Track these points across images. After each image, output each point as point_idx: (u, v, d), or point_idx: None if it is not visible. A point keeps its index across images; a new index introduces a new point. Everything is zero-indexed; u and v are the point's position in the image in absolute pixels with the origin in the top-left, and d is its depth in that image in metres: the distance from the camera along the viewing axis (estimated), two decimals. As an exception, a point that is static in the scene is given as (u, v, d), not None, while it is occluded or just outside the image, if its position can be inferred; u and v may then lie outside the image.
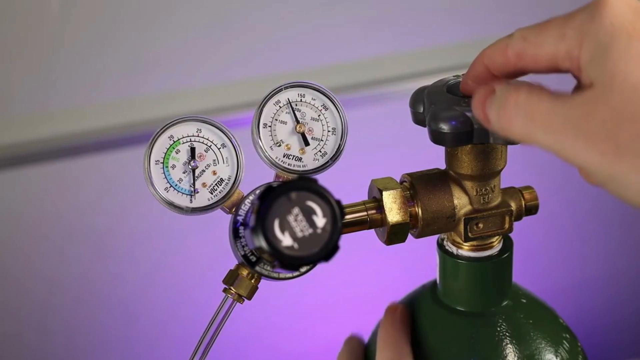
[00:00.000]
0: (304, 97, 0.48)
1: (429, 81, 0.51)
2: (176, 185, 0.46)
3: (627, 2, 0.36)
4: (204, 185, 0.46)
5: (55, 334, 1.03)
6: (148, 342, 1.07)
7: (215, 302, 0.47)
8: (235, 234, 0.46)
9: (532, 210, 0.52)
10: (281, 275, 0.47)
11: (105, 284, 1.01)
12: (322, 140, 0.48)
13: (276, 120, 0.48)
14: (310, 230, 0.37)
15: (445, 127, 0.46)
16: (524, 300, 0.55)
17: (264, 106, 0.48)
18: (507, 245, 0.53)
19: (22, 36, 0.84)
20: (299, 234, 0.37)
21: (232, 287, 0.46)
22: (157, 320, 1.06)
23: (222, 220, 0.48)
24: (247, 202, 0.46)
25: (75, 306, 1.02)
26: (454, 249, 0.53)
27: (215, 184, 0.46)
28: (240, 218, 0.46)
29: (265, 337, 1.04)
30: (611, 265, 1.11)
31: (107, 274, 1.00)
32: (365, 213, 0.49)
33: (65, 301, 1.01)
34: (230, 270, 0.47)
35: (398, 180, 0.52)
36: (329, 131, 0.48)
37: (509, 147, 0.49)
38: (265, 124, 0.47)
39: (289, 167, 0.47)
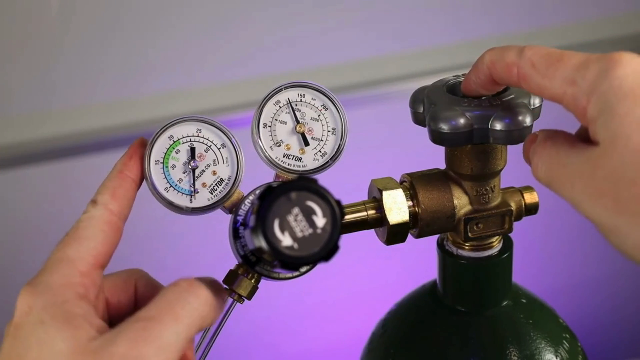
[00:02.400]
0: (304, 97, 0.48)
1: (429, 81, 0.51)
2: (176, 185, 0.45)
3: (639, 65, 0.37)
4: (204, 185, 0.46)
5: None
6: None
7: (215, 302, 0.47)
8: (235, 234, 0.46)
9: (532, 210, 0.52)
10: (281, 275, 0.47)
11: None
12: (322, 140, 0.48)
13: (276, 120, 0.48)
14: (310, 230, 0.37)
15: (445, 127, 0.46)
16: (524, 300, 0.55)
17: (264, 106, 0.47)
18: (507, 245, 0.53)
19: (22, 36, 0.84)
20: (299, 234, 0.37)
21: (232, 287, 0.46)
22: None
23: (222, 220, 0.48)
24: (247, 202, 0.46)
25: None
26: (454, 249, 0.53)
27: (215, 184, 0.46)
28: (240, 218, 0.46)
29: (265, 337, 1.03)
30: (611, 265, 1.11)
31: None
32: (365, 213, 0.49)
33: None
34: (230, 270, 0.47)
35: (398, 180, 0.52)
36: (328, 131, 0.48)
37: (509, 147, 0.49)
38: (265, 124, 0.47)
39: (288, 167, 0.47)
